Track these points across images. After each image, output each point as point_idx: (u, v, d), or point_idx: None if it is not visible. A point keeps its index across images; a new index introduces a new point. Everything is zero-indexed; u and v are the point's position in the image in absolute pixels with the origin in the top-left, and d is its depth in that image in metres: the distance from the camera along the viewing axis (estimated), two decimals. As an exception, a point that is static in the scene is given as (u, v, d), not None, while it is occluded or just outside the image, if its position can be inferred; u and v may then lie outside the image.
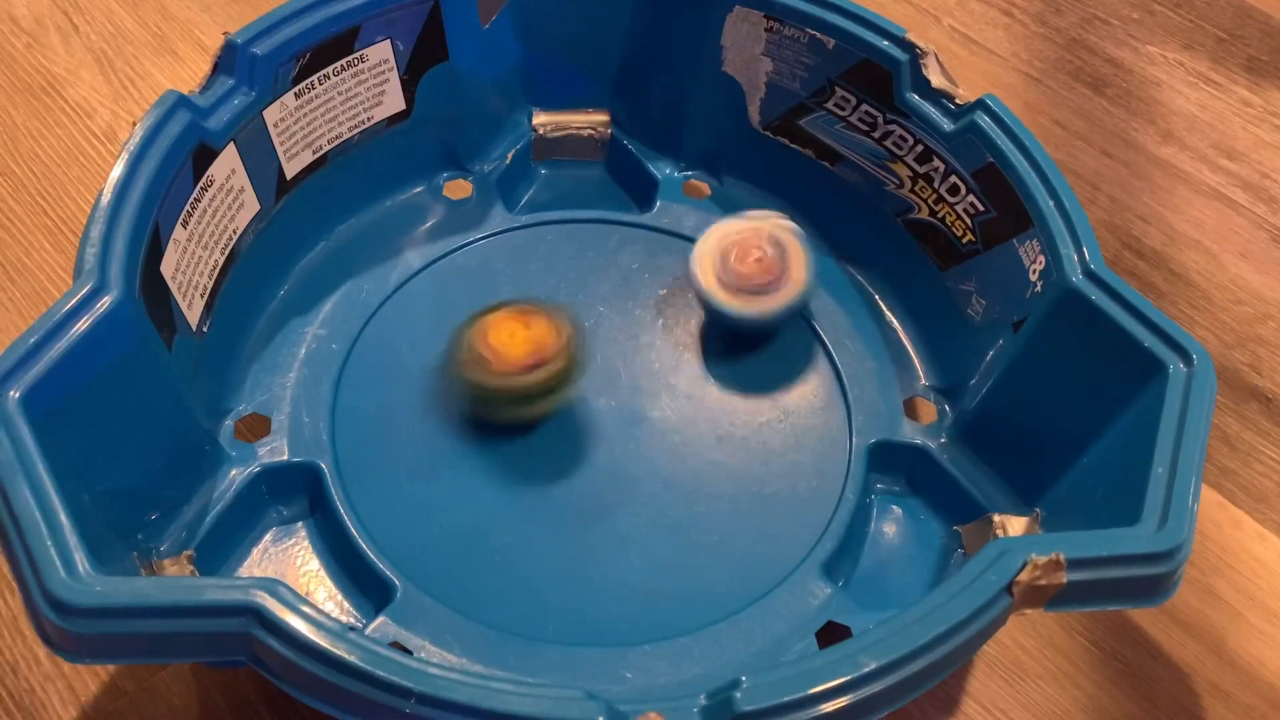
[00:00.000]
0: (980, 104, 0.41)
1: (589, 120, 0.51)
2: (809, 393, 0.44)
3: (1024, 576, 0.29)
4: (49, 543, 0.28)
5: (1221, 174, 0.58)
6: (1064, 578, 0.30)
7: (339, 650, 0.27)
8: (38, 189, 0.50)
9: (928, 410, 0.44)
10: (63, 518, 0.28)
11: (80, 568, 0.27)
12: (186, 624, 0.28)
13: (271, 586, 0.27)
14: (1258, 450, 0.47)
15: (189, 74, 0.55)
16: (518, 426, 0.42)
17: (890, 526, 0.41)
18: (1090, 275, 0.37)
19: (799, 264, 0.43)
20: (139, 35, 0.57)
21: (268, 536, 0.39)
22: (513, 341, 0.39)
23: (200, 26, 0.57)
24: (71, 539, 0.28)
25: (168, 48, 0.56)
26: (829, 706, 0.27)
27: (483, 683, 0.27)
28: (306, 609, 0.27)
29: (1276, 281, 0.53)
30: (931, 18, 0.64)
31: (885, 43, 0.44)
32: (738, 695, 0.27)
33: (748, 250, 0.43)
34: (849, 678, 0.27)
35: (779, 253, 0.43)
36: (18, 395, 0.30)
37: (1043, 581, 0.30)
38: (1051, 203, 0.39)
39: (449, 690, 0.26)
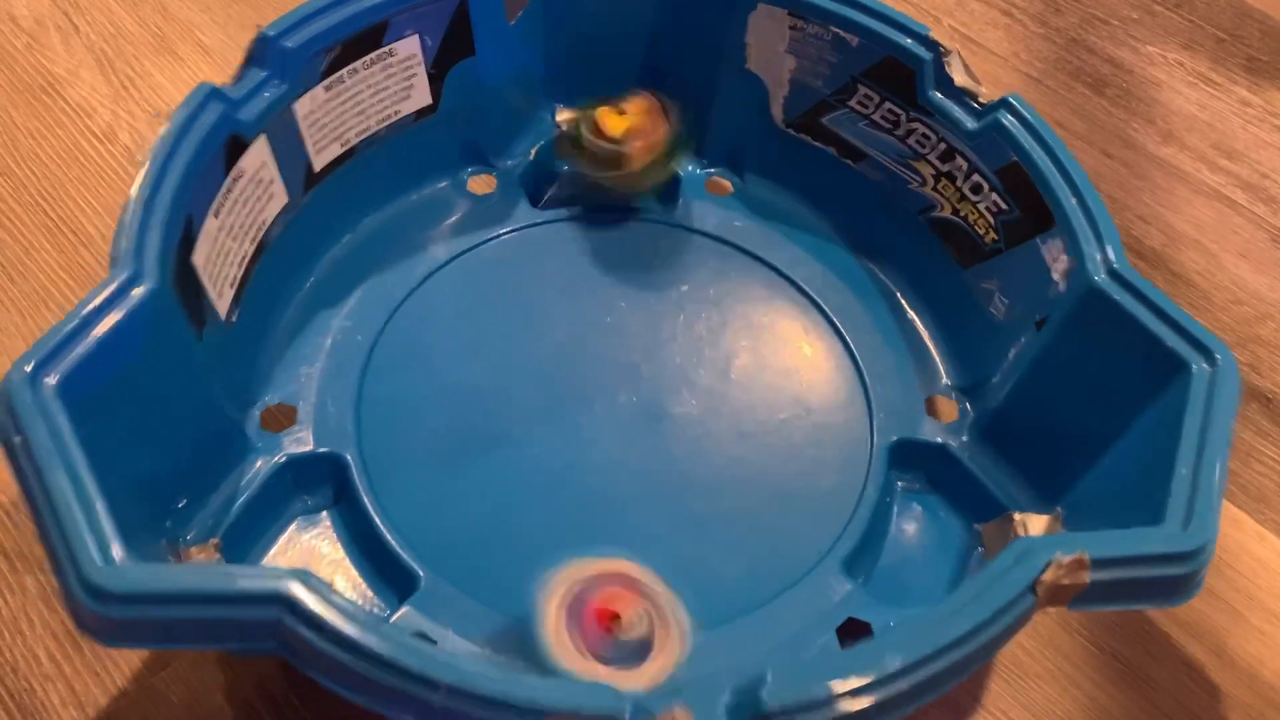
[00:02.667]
0: (1004, 103, 0.42)
1: (612, 116, 0.51)
2: (830, 390, 0.44)
3: (1048, 576, 0.30)
4: (85, 529, 0.28)
5: (1221, 174, 0.57)
6: (1088, 577, 0.30)
7: (369, 640, 0.27)
8: (38, 189, 0.50)
9: (949, 408, 0.44)
10: (98, 505, 0.28)
11: (115, 554, 0.28)
12: (218, 611, 0.28)
13: (303, 576, 0.28)
14: (1257, 450, 0.47)
15: (189, 74, 0.55)
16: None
17: (910, 524, 0.42)
18: (1113, 274, 0.37)
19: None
20: (139, 35, 0.57)
21: (293, 525, 0.39)
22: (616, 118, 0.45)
23: (200, 26, 0.57)
24: (107, 526, 0.28)
25: (168, 48, 0.56)
26: (855, 704, 0.27)
27: (512, 676, 0.27)
28: (337, 598, 0.28)
29: (1276, 281, 0.53)
30: (931, 18, 0.64)
31: (909, 41, 0.44)
32: (764, 692, 0.27)
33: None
34: (876, 675, 0.27)
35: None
36: (54, 382, 0.30)
37: (1067, 581, 0.30)
38: (1074, 201, 0.39)
39: (479, 683, 0.27)
